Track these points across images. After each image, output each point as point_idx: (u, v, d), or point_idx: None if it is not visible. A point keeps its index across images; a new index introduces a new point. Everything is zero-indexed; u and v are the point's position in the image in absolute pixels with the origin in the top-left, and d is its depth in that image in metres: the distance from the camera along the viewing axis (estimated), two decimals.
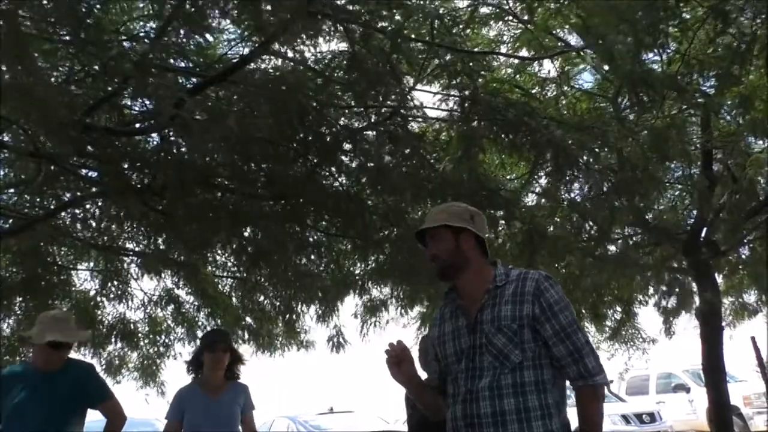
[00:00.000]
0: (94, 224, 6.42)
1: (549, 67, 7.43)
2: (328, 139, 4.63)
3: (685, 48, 5.47)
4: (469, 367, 2.26)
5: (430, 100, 9.20)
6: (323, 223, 6.14)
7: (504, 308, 2.26)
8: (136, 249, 7.28)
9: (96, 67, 3.81)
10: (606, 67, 6.56)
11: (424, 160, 5.33)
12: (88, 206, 6.15)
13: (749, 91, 5.79)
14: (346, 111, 4.81)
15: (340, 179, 5.28)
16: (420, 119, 5.10)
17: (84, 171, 5.64)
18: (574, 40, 7.62)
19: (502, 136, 4.68)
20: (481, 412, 2.18)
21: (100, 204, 5.98)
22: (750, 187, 7.65)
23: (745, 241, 9.15)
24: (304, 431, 10.84)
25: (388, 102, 4.52)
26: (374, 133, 5.08)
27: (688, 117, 6.75)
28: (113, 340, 8.56)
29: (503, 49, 7.08)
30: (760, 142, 7.34)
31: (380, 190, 4.78)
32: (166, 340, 9.06)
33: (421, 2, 4.60)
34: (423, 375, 3.92)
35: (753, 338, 9.09)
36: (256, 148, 4.43)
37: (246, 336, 8.43)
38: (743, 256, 9.76)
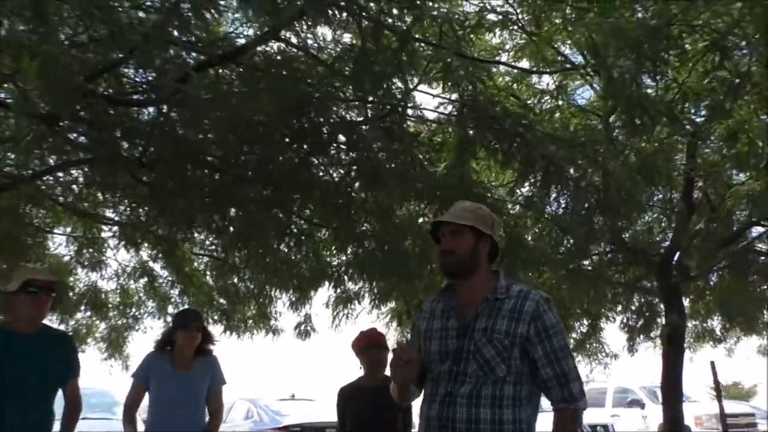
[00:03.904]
0: (77, 190, 6.34)
1: (547, 80, 7.50)
2: (324, 130, 4.63)
3: (683, 77, 5.58)
4: (453, 370, 2.29)
5: (429, 101, 9.23)
6: (307, 211, 6.15)
7: (500, 322, 2.28)
8: (116, 219, 7.21)
9: (102, 33, 3.75)
10: (602, 87, 6.68)
11: (417, 160, 5.36)
12: (72, 171, 6.08)
13: (738, 126, 5.94)
14: (346, 104, 4.80)
15: (331, 171, 5.29)
16: (417, 119, 5.13)
17: (73, 135, 5.56)
18: (574, 55, 7.75)
19: (496, 144, 4.73)
20: (457, 416, 2.22)
21: (86, 170, 5.91)
22: (726, 218, 7.86)
23: (715, 268, 9.40)
24: (264, 415, 10.82)
25: (388, 99, 4.53)
26: (368, 127, 5.09)
27: (675, 144, 6.90)
28: (83, 308, 8.49)
29: (504, 57, 7.16)
30: (741, 175, 7.53)
31: (372, 185, 4.79)
32: (136, 313, 9.02)
33: (431, 3, 4.63)
34: None
35: (712, 363, 9.39)
36: (252, 131, 4.42)
37: (216, 316, 8.42)
38: (711, 283, 10.02)
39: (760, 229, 8.94)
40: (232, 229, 6.10)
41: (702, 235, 7.97)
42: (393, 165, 4.84)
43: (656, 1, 4.81)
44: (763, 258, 9.48)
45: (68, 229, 8.06)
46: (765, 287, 9.90)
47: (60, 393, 3.36)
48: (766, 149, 6.35)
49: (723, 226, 8.05)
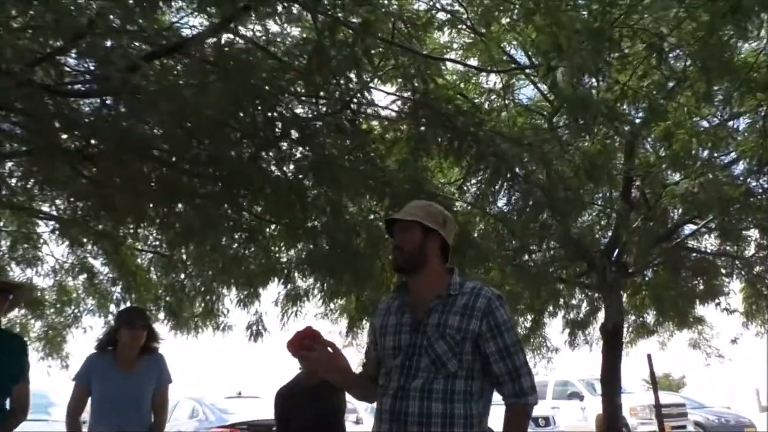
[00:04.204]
0: (13, 183, 6.03)
1: (493, 79, 7.64)
2: (278, 125, 4.57)
3: (624, 79, 5.78)
4: (405, 365, 2.31)
5: (382, 98, 9.26)
6: (257, 208, 6.06)
7: (452, 318, 2.30)
8: (54, 213, 6.91)
9: (43, 19, 3.58)
10: (550, 86, 6.86)
11: (368, 157, 5.37)
12: (7, 163, 5.79)
13: (675, 126, 6.19)
14: (298, 99, 4.76)
15: (283, 166, 5.23)
16: (372, 116, 5.13)
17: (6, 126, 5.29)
18: (519, 56, 7.92)
19: (449, 142, 4.79)
20: (409, 410, 2.24)
21: (21, 162, 5.63)
22: (662, 216, 8.21)
23: (650, 264, 9.80)
24: (210, 414, 10.62)
25: (344, 95, 4.52)
26: (320, 124, 5.06)
27: (613, 144, 7.16)
28: None
29: (452, 56, 7.26)
30: (676, 175, 7.87)
31: (326, 181, 4.76)
32: (75, 311, 8.69)
33: (384, 1, 4.64)
34: None
35: (649, 356, 9.74)
36: (203, 125, 4.31)
37: (162, 315, 8.20)
38: (647, 278, 10.43)
39: (693, 227, 9.40)
40: (178, 225, 5.95)
41: (639, 232, 8.29)
42: (346, 161, 4.82)
43: (600, 4, 4.97)
44: (694, 255, 9.96)
45: (0, 224, 7.68)
46: (696, 282, 10.37)
47: None
48: (699, 150, 6.68)
49: (659, 224, 8.40)
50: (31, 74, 4.20)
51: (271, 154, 5.20)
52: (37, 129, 4.70)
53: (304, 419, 3.88)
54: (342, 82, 4.29)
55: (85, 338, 8.86)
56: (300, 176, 5.09)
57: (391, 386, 2.32)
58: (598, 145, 6.16)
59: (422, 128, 4.77)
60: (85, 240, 7.11)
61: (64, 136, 5.09)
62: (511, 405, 2.31)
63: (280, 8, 4.10)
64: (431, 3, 5.77)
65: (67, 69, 4.84)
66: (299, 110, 4.94)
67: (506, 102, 6.88)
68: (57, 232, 6.97)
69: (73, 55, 4.39)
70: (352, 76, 4.21)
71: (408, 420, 2.23)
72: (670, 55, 5.66)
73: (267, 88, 4.41)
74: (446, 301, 2.34)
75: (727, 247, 9.51)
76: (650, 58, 5.64)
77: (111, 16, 3.76)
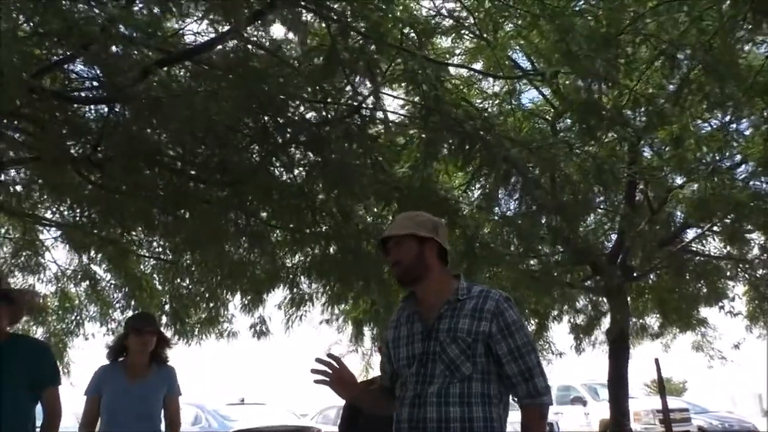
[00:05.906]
0: (16, 190, 6.00)
1: (497, 84, 7.63)
2: (288, 130, 4.55)
3: (632, 84, 5.78)
4: (420, 372, 2.30)
5: (391, 103, 9.28)
6: (264, 214, 6.04)
7: (462, 321, 2.31)
8: (57, 220, 6.87)
9: (52, 26, 3.56)
10: (548, 91, 6.87)
11: (377, 162, 5.35)
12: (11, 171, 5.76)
13: (682, 130, 6.19)
14: (309, 104, 4.74)
15: (293, 171, 5.22)
16: (379, 121, 5.11)
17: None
18: (522, 60, 7.93)
19: (458, 146, 4.78)
20: (428, 416, 2.23)
21: (24, 169, 5.60)
22: (666, 220, 8.20)
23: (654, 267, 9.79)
24: (213, 420, 10.58)
25: (354, 99, 4.51)
26: (329, 128, 5.05)
27: (622, 149, 7.15)
28: None
29: (455, 61, 7.24)
30: (679, 179, 7.87)
31: (337, 186, 4.75)
32: (77, 318, 8.64)
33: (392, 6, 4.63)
34: None
35: (657, 360, 9.68)
36: (213, 131, 4.30)
37: (165, 321, 8.14)
38: (650, 282, 10.43)
39: (697, 230, 9.41)
40: (184, 232, 5.92)
41: (644, 236, 8.29)
42: (356, 166, 4.81)
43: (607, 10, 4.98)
44: (698, 258, 9.96)
45: (2, 230, 7.64)
46: (699, 285, 10.36)
47: None
48: (705, 153, 6.67)
49: (663, 228, 8.39)
50: (39, 82, 4.19)
51: (279, 159, 5.18)
52: (44, 136, 4.68)
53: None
54: (351, 87, 4.27)
55: (87, 345, 8.83)
56: (309, 181, 5.08)
57: (407, 395, 2.31)
58: (605, 149, 6.14)
59: (433, 133, 4.76)
60: (90, 247, 7.07)
61: (70, 143, 5.07)
62: (526, 406, 2.29)
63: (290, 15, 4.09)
64: (437, 9, 5.78)
65: (74, 76, 4.84)
66: (309, 115, 4.92)
67: (512, 107, 6.88)
68: (62, 239, 6.92)
69: (80, 63, 4.37)
70: (365, 80, 4.19)
71: (427, 426, 2.22)
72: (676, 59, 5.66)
73: (276, 93, 4.39)
74: (455, 306, 2.35)
75: (731, 250, 9.51)
76: (656, 63, 5.65)
77: (120, 25, 3.76)
